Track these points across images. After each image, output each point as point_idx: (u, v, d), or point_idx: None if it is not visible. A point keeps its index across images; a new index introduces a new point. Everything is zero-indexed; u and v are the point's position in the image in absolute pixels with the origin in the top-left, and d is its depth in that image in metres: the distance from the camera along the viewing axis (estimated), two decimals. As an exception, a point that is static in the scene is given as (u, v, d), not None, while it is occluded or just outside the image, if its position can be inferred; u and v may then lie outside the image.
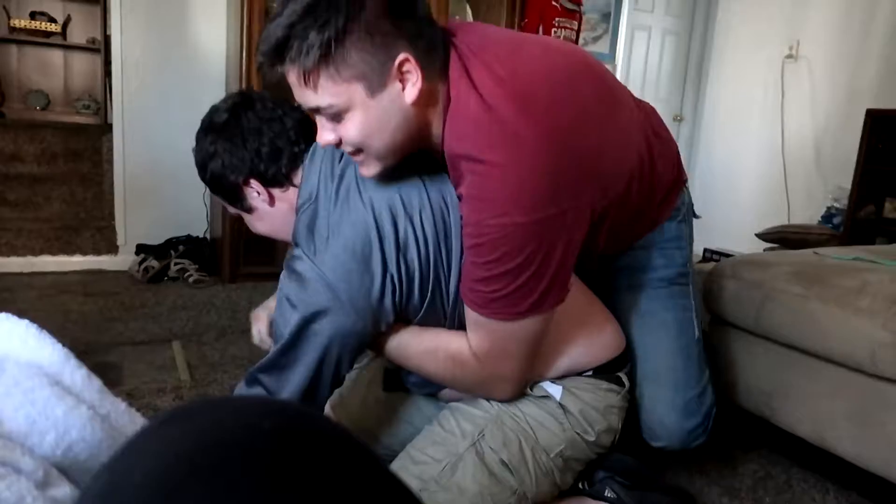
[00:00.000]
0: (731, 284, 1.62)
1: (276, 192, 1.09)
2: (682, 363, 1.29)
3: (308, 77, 0.87)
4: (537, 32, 3.79)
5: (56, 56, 4.59)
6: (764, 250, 3.53)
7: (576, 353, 1.14)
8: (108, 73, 3.42)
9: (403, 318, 1.05)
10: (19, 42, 4.45)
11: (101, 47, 4.36)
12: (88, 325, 2.28)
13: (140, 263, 3.00)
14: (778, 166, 4.34)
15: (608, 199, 1.03)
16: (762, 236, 3.80)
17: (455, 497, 1.06)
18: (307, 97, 0.90)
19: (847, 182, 3.63)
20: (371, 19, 0.84)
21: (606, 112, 1.00)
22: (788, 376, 1.52)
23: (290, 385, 1.00)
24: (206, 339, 2.23)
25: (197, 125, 1.12)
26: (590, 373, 1.14)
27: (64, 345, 0.61)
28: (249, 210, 1.13)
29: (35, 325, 0.62)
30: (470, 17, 3.56)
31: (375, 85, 0.88)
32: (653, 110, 1.24)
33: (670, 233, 1.28)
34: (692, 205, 1.35)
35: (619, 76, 5.80)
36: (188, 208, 3.26)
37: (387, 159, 0.96)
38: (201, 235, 3.28)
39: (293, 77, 0.88)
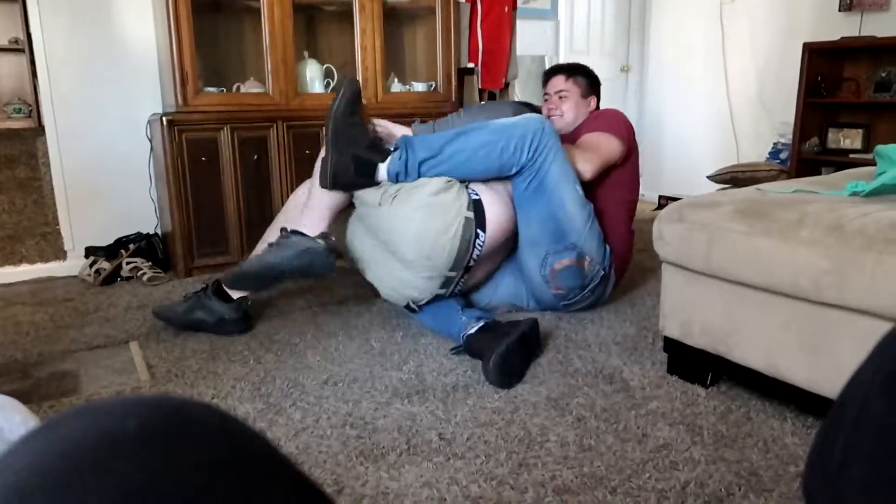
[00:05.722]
0: (679, 228, 1.64)
1: None
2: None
3: (567, 78, 2.49)
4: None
5: (-22, 60, 4.38)
6: (717, 192, 3.57)
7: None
8: (34, 73, 3.27)
9: None
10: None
11: (26, 47, 4.17)
12: (41, 335, 2.22)
13: (91, 266, 2.92)
14: (724, 108, 4.39)
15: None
16: (713, 178, 3.85)
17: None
18: (560, 85, 2.49)
19: (791, 117, 3.69)
20: (591, 79, 2.58)
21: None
22: (741, 313, 1.55)
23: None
24: (165, 336, 2.18)
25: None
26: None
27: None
28: None
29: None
30: None
31: (585, 95, 2.53)
32: None
33: None
34: None
35: (562, 33, 5.78)
36: (135, 205, 3.18)
37: (569, 124, 2.50)
38: (152, 231, 3.20)
39: (561, 78, 2.51)
